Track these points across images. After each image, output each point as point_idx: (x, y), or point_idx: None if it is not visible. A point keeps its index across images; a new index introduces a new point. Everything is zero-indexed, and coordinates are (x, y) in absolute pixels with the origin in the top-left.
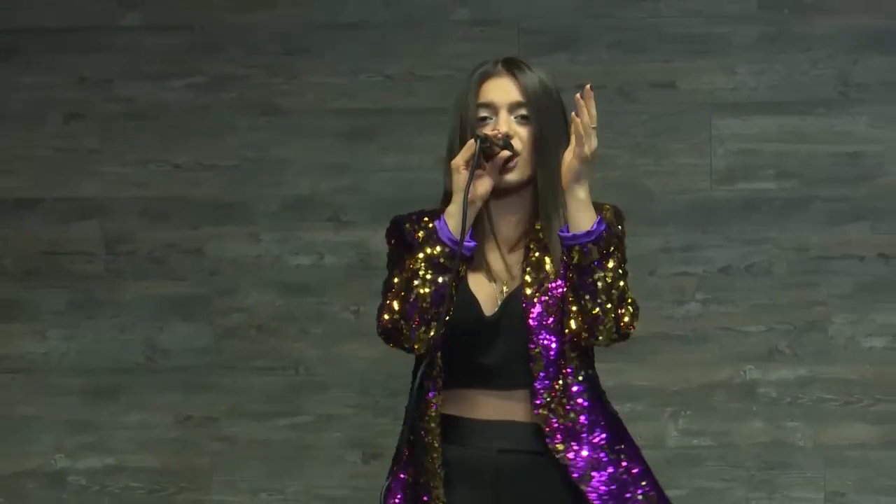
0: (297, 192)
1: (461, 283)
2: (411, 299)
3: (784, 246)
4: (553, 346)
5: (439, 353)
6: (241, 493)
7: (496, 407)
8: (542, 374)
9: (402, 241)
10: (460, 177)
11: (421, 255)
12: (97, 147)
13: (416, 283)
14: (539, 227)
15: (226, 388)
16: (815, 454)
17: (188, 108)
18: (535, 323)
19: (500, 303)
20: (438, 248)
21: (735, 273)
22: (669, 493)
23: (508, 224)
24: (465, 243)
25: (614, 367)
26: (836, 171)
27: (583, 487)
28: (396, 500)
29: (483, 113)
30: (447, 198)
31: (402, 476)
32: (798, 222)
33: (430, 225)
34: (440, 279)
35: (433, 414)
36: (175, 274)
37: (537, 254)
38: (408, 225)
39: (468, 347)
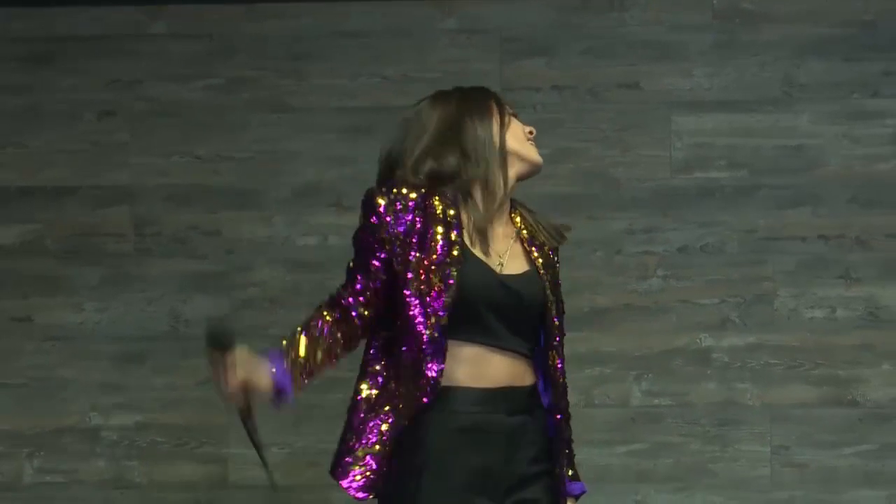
0: (304, 180)
1: (467, 252)
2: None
3: (735, 228)
4: (561, 321)
5: (444, 327)
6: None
7: (501, 369)
8: (555, 342)
9: (378, 219)
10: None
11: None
12: (127, 141)
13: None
14: (518, 217)
15: None
16: (763, 412)
17: (208, 106)
18: (554, 300)
19: (504, 272)
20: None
21: (692, 252)
22: (633, 447)
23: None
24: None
25: (585, 335)
26: (781, 161)
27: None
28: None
29: (510, 110)
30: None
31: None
32: (747, 207)
33: (404, 199)
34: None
35: (433, 386)
36: (196, 253)
37: (529, 238)
38: (380, 198)
39: (482, 306)
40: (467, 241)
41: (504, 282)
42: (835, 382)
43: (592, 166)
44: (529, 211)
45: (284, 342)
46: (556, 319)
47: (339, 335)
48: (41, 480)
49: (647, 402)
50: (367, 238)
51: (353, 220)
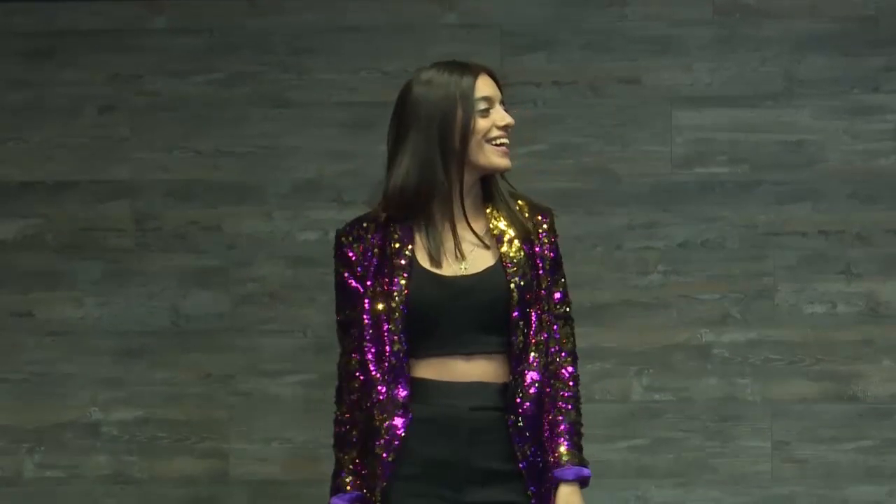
0: (305, 175)
1: (415, 269)
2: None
3: (735, 223)
4: (524, 316)
5: (400, 338)
6: (255, 442)
7: (469, 370)
8: (516, 338)
9: (343, 260)
10: None
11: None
12: (128, 136)
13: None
14: (490, 210)
15: (242, 348)
16: (763, 408)
17: (209, 101)
18: (518, 295)
19: (463, 274)
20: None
21: (692, 247)
22: (634, 442)
23: (455, 205)
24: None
25: (585, 330)
26: (782, 157)
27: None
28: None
29: (482, 105)
30: (382, 194)
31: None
32: (748, 202)
33: (364, 233)
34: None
35: (385, 401)
36: (197, 248)
37: (499, 231)
38: (343, 238)
39: (440, 317)
40: (420, 257)
41: (457, 284)
42: (835, 378)
43: (592, 161)
44: (508, 199)
45: (349, 477)
46: (516, 314)
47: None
48: (42, 475)
49: (648, 397)
50: (345, 276)
51: (352, 214)
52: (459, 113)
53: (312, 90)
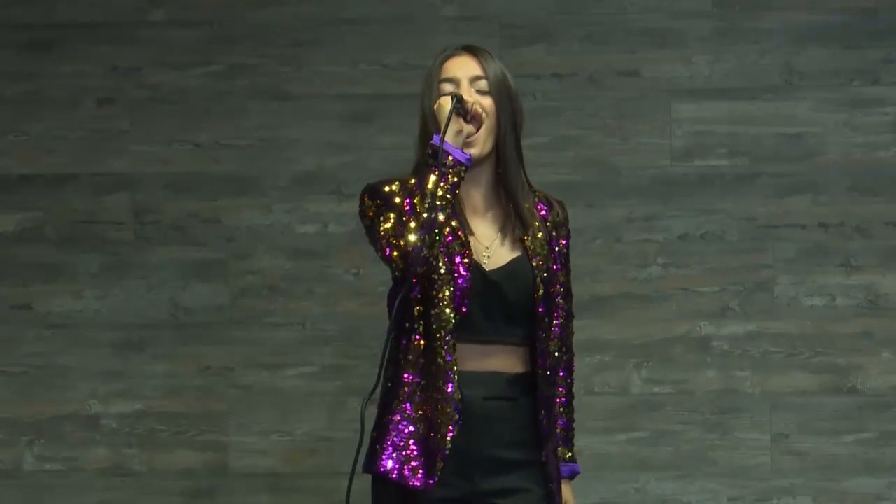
0: (304, 168)
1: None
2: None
3: (735, 216)
4: (548, 309)
5: (451, 312)
6: (255, 434)
7: (485, 359)
8: (542, 333)
9: (384, 200)
10: (444, 109)
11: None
12: (127, 128)
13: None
14: (507, 201)
15: (241, 341)
16: (762, 400)
17: (208, 93)
18: (543, 288)
19: (486, 265)
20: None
21: (692, 240)
22: (633, 435)
23: (476, 193)
24: (464, 156)
25: (585, 322)
26: (781, 149)
27: (556, 427)
28: (410, 431)
29: (447, 87)
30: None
31: (408, 410)
32: (747, 195)
33: (395, 185)
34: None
35: (452, 364)
36: (196, 240)
37: (522, 224)
38: (386, 188)
39: (466, 303)
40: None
41: (487, 277)
42: (834, 370)
43: (592, 154)
44: (528, 191)
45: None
46: (541, 308)
47: None
48: (41, 468)
49: (647, 389)
50: (394, 201)
51: (352, 207)
52: (429, 98)
53: (312, 82)
